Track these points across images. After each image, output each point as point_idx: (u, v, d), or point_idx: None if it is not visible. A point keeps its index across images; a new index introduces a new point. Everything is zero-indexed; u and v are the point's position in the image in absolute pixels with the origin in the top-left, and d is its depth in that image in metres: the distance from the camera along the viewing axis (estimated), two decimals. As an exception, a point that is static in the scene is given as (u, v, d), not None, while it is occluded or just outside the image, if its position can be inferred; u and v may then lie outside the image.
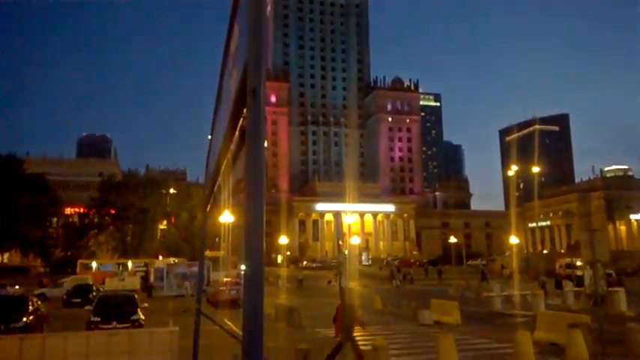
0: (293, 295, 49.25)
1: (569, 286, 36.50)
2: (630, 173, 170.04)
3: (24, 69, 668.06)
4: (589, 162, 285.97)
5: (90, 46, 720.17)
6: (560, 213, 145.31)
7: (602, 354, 15.14)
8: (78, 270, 63.96)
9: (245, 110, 2.86)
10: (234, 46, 4.47)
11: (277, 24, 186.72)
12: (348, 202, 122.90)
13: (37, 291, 45.21)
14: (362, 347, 17.36)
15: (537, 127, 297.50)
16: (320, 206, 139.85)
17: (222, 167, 6.69)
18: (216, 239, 77.46)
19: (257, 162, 2.26)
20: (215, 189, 9.20)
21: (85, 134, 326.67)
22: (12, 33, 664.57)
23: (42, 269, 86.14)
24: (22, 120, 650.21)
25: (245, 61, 2.95)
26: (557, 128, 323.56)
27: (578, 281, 37.45)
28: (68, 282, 47.37)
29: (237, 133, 4.55)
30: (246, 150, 2.43)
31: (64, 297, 39.84)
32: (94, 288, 42.47)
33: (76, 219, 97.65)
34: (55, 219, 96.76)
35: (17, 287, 47.58)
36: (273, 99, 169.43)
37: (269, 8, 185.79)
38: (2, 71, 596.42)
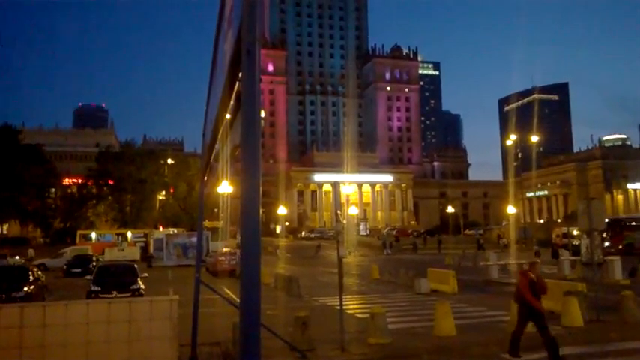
0: (292, 264, 49.74)
1: (565, 255, 36.87)
2: (628, 143, 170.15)
3: (19, 39, 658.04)
4: (588, 131, 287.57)
5: (86, 15, 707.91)
6: (557, 182, 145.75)
7: (597, 320, 15.35)
8: (77, 240, 64.31)
9: (240, 73, 2.80)
10: (229, 8, 4.33)
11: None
12: (347, 173, 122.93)
13: (38, 261, 45.55)
14: (361, 315, 17.61)
15: (537, 96, 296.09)
16: (318, 177, 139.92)
17: (219, 135, 6.61)
18: (215, 210, 77.76)
19: (253, 124, 2.21)
20: (212, 159, 9.13)
21: (80, 104, 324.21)
22: (7, 3, 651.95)
23: (41, 240, 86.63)
24: (18, 91, 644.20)
25: (239, 21, 2.85)
26: (556, 97, 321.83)
27: (575, 250, 37.82)
28: (68, 252, 47.67)
29: (233, 97, 4.45)
30: (242, 113, 2.37)
31: (65, 267, 40.13)
32: (94, 258, 42.74)
33: (74, 190, 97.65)
34: (53, 190, 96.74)
35: (17, 257, 47.90)
36: (270, 68, 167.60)
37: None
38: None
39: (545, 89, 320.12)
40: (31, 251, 55.58)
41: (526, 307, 11.04)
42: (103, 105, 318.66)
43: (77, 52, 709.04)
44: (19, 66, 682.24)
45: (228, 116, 5.47)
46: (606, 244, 46.55)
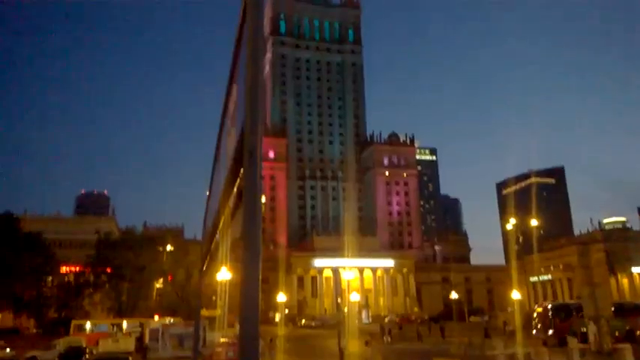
0: (292, 356, 47.96)
1: (573, 343, 35.67)
2: (629, 225, 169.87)
3: (23, 126, 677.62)
4: (587, 213, 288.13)
5: (90, 105, 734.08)
6: (560, 266, 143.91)
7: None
8: (71, 331, 62.41)
9: (242, 170, 2.95)
10: (233, 106, 4.60)
11: (275, 82, 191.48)
12: (347, 257, 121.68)
13: (29, 353, 43.95)
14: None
15: (534, 179, 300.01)
16: (318, 262, 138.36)
17: (220, 225, 6.71)
18: (213, 298, 76.17)
19: (254, 222, 2.30)
20: (212, 247, 9.18)
21: (83, 192, 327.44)
22: (11, 89, 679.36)
23: (34, 330, 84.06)
24: (21, 178, 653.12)
25: (242, 122, 3.05)
26: (553, 181, 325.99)
27: (583, 337, 36.61)
28: (60, 344, 46.14)
29: (234, 192, 4.61)
30: (243, 210, 2.48)
31: (56, 360, 38.68)
32: (87, 350, 41.31)
33: (71, 278, 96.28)
34: (50, 278, 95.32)
35: (8, 350, 46.26)
36: (271, 154, 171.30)
37: (267, 68, 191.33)
38: (1, 129, 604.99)
39: (541, 173, 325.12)
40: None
41: None
42: (105, 192, 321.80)
43: (82, 140, 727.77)
44: (23, 153, 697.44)
45: (229, 205, 5.61)
46: (550, 332, 44.05)
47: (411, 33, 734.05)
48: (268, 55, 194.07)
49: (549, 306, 49.47)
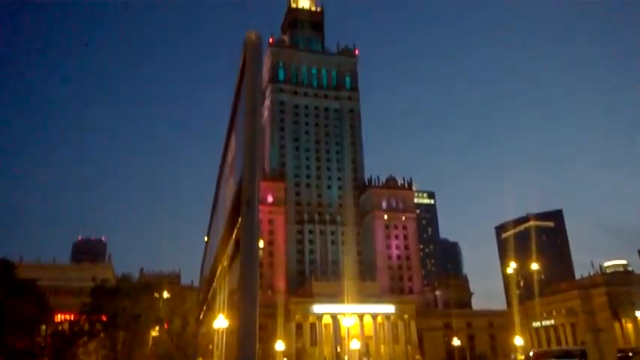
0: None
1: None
2: (630, 268, 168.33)
3: (22, 174, 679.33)
4: (587, 256, 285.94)
5: (89, 152, 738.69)
6: (563, 311, 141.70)
7: None
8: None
9: (240, 220, 3.01)
10: (231, 155, 4.71)
11: (274, 127, 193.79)
12: (347, 303, 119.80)
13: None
14: None
15: (532, 223, 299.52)
16: (317, 308, 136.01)
17: (218, 273, 6.72)
18: (210, 347, 74.45)
19: (251, 271, 2.34)
20: (210, 294, 9.11)
21: (80, 238, 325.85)
22: (10, 138, 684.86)
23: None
24: (18, 224, 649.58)
25: (241, 172, 3.13)
26: (552, 224, 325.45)
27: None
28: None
29: (232, 241, 4.65)
30: (241, 260, 2.52)
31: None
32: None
33: (66, 326, 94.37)
34: (44, 327, 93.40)
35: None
36: (270, 199, 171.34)
37: (266, 114, 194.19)
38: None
39: (539, 216, 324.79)
40: None
41: None
42: (103, 238, 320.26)
43: (81, 187, 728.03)
44: (21, 200, 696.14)
45: (227, 252, 5.64)
46: None
47: (407, 78, 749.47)
48: (267, 102, 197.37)
49: (552, 350, 48.37)
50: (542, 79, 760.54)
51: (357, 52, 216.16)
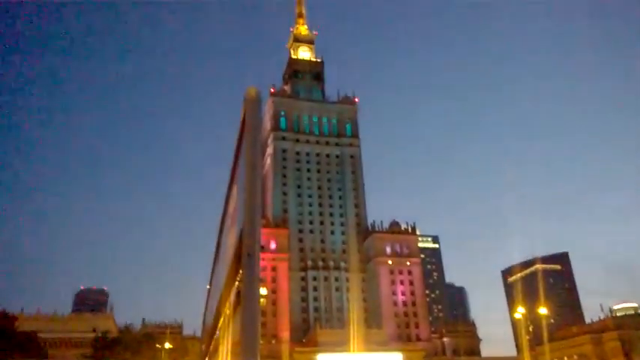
0: None
1: None
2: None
3: (22, 221, 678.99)
4: (595, 299, 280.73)
5: (90, 200, 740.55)
6: (575, 357, 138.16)
7: None
8: None
9: (241, 271, 3.04)
10: (233, 206, 4.78)
11: (277, 174, 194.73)
12: (353, 352, 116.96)
13: None
14: None
15: (539, 266, 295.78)
16: (322, 357, 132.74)
17: (220, 323, 6.65)
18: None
19: (252, 324, 2.34)
20: (212, 346, 8.97)
21: (82, 288, 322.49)
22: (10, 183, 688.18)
23: None
24: (19, 275, 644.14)
25: (242, 223, 3.19)
26: (558, 267, 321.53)
27: None
28: None
29: (234, 289, 4.66)
30: (242, 311, 2.52)
31: None
32: None
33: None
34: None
35: None
36: (273, 245, 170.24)
37: (268, 162, 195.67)
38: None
39: (546, 259, 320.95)
40: None
41: None
42: (105, 288, 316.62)
43: (82, 236, 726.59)
44: (22, 252, 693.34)
45: (230, 302, 5.61)
46: None
47: (408, 124, 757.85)
48: (269, 150, 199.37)
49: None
50: (546, 128, 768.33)
51: (356, 99, 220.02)
